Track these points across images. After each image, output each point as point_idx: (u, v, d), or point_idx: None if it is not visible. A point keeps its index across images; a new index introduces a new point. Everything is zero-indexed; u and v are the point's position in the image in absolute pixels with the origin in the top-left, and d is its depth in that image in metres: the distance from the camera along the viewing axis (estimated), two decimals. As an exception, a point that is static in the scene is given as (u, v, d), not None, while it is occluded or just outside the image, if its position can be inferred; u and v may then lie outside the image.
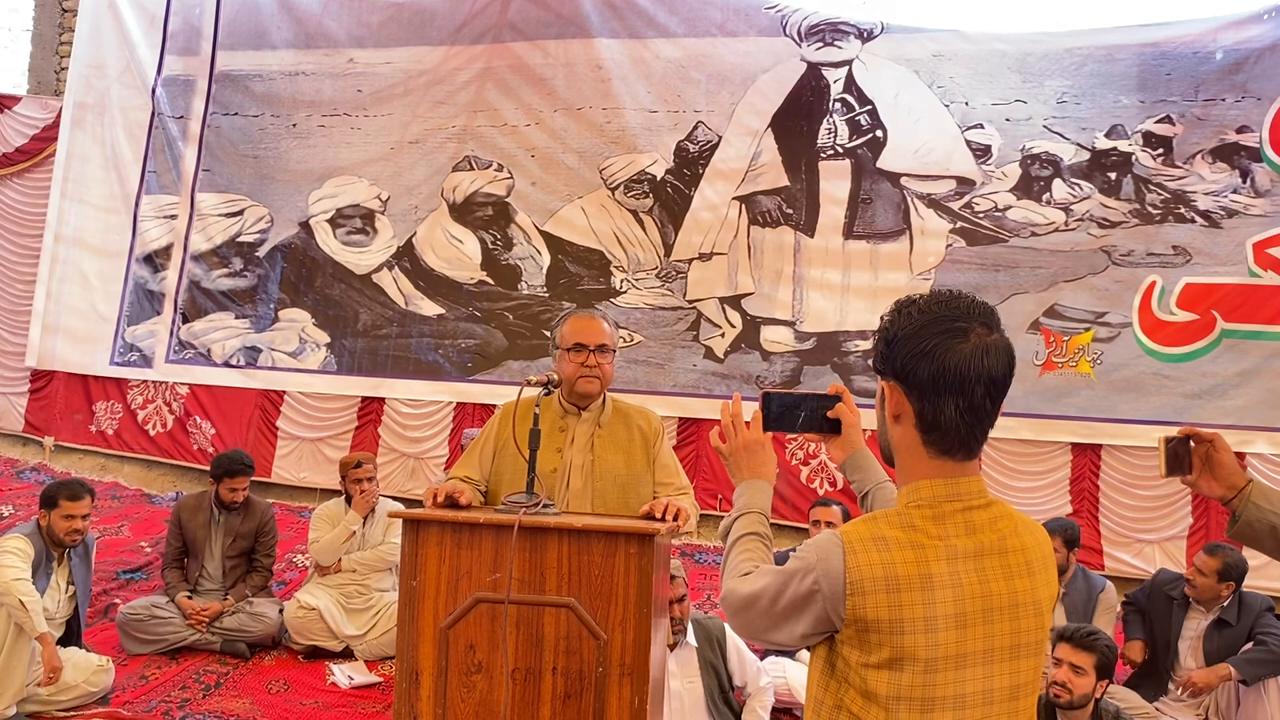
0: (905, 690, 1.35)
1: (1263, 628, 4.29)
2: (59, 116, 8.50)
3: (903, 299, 1.49)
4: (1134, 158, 6.64)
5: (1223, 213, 6.47)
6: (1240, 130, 6.48)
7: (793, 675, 4.43)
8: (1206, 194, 6.51)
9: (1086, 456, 6.49)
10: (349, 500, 5.22)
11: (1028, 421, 6.37)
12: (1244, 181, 6.45)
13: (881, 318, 1.51)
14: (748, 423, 1.76)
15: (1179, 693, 4.29)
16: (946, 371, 1.39)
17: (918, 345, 1.41)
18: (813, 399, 1.77)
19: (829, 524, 4.78)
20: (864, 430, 1.83)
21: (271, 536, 5.38)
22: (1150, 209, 6.60)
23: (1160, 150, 6.61)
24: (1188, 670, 4.34)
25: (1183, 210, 6.54)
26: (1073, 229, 6.70)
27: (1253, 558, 6.00)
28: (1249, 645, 4.27)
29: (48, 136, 8.58)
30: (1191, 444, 1.80)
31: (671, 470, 3.02)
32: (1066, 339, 6.57)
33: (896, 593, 1.36)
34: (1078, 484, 6.49)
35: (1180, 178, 6.56)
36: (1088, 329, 6.57)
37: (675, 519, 2.59)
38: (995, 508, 1.47)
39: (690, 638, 3.96)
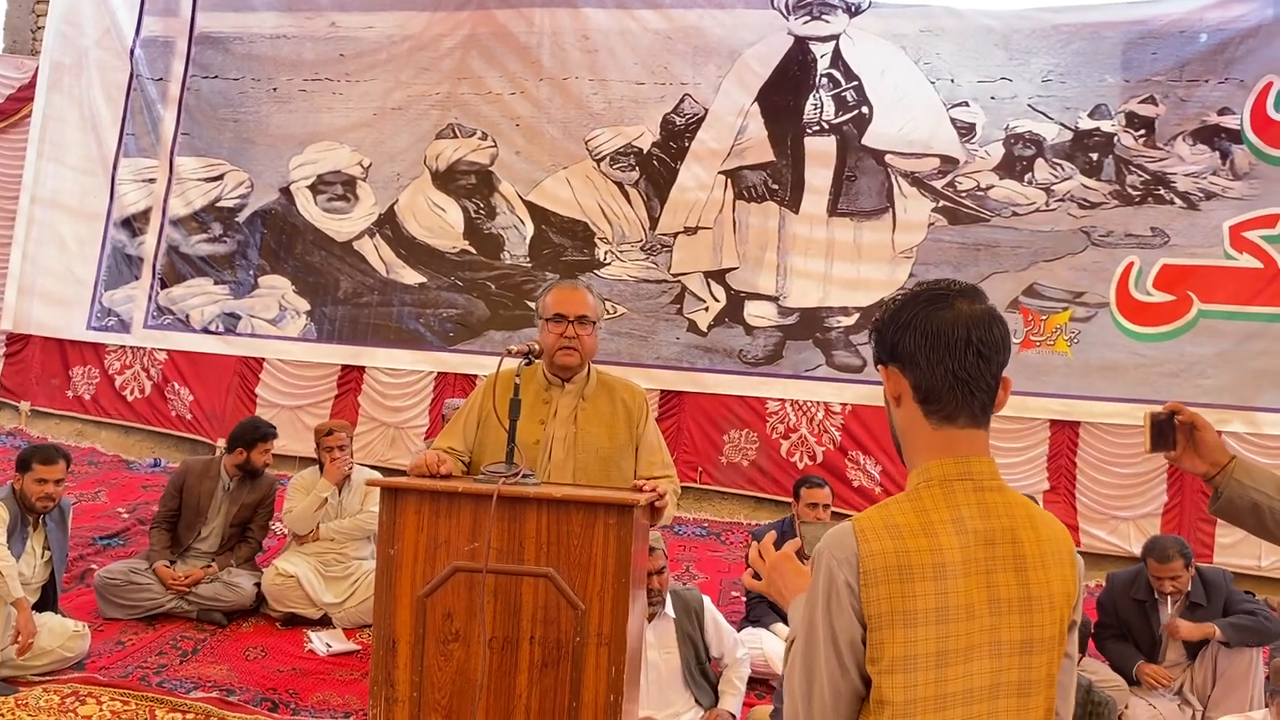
0: (920, 690, 1.32)
1: (1240, 603, 4.32)
2: (35, 76, 8.36)
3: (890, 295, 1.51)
4: (1116, 138, 6.67)
5: (1201, 194, 6.51)
6: (1222, 112, 6.51)
7: (769, 647, 4.47)
8: (1186, 175, 6.54)
9: (1064, 433, 6.56)
10: (323, 468, 5.21)
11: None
12: (1223, 163, 6.49)
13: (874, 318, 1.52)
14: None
15: (1159, 633, 4.27)
16: (931, 335, 1.39)
17: (901, 319, 1.43)
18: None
19: (825, 506, 4.80)
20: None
21: (269, 510, 5.36)
22: (1130, 190, 6.63)
23: (1142, 131, 6.64)
24: (1174, 662, 4.36)
25: (1162, 192, 6.58)
26: (1053, 209, 6.73)
27: (1226, 535, 6.14)
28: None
29: (24, 97, 8.44)
30: (1176, 420, 1.82)
31: (656, 448, 3.03)
32: (1044, 318, 6.62)
33: (910, 582, 1.33)
34: (1055, 460, 6.56)
35: (1161, 159, 6.60)
36: (1065, 308, 6.62)
37: (657, 498, 2.62)
38: (1009, 494, 1.44)
39: (668, 609, 3.99)
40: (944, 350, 1.39)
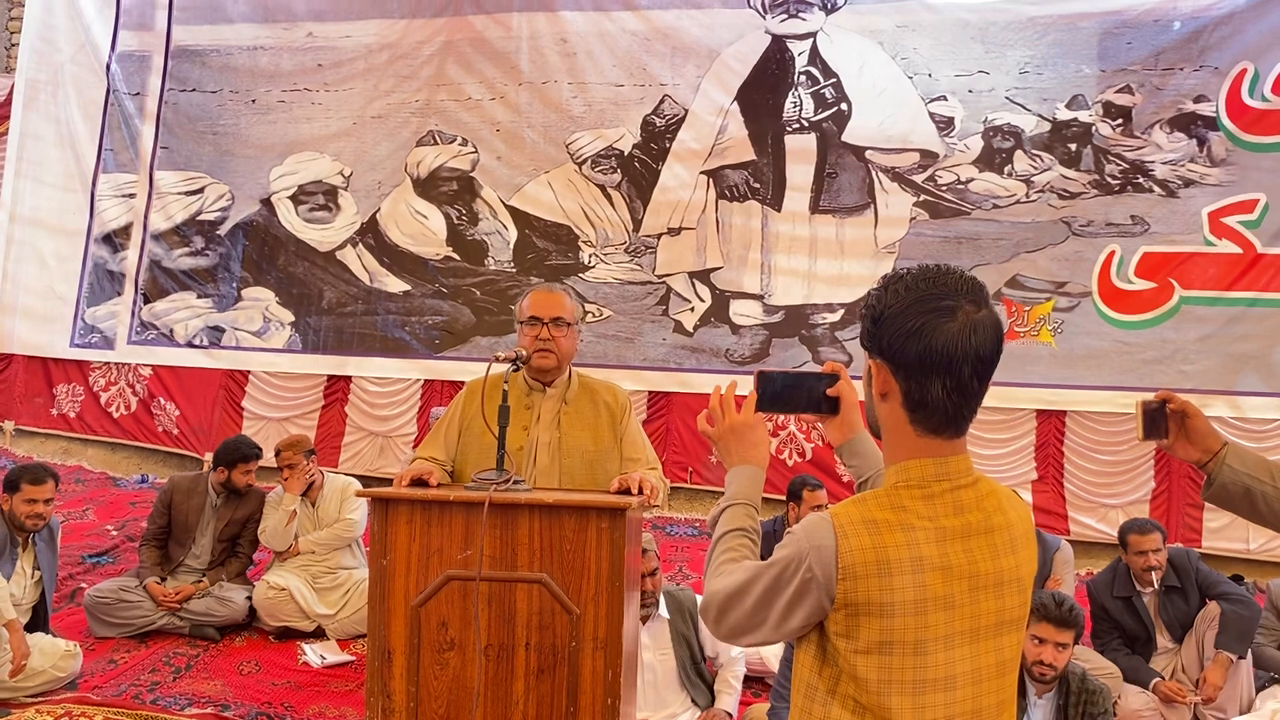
0: (895, 673, 1.35)
1: (1214, 588, 4.35)
2: (10, 94, 8.31)
3: (890, 274, 1.45)
4: (1094, 128, 6.71)
5: (1179, 182, 6.56)
6: (1197, 100, 6.56)
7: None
8: (1164, 163, 6.59)
9: (1051, 423, 6.59)
10: None
11: (992, 389, 6.41)
12: (1200, 150, 6.54)
13: (869, 293, 1.47)
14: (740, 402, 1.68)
15: (1194, 697, 4.13)
16: (933, 351, 1.36)
17: (905, 324, 1.38)
18: (810, 377, 1.69)
19: (825, 506, 4.79)
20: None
21: (258, 525, 5.33)
22: (1109, 179, 6.68)
23: (1120, 120, 6.68)
24: (1165, 647, 4.37)
25: (1141, 180, 6.63)
26: (1033, 200, 6.77)
27: (1214, 519, 6.18)
28: (1209, 608, 4.32)
29: (-1, 115, 8.40)
30: (1168, 408, 1.83)
31: (639, 445, 3.02)
32: (1028, 309, 6.66)
33: (888, 576, 1.34)
34: (1043, 450, 6.60)
35: (1138, 148, 6.64)
36: (1048, 299, 6.66)
37: (643, 493, 2.60)
38: (981, 485, 1.46)
39: (662, 610, 3.99)
40: (944, 369, 1.37)
